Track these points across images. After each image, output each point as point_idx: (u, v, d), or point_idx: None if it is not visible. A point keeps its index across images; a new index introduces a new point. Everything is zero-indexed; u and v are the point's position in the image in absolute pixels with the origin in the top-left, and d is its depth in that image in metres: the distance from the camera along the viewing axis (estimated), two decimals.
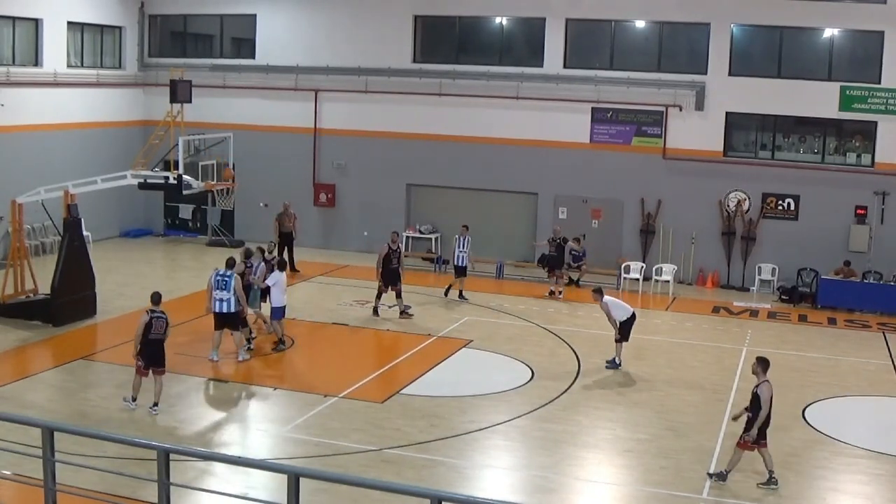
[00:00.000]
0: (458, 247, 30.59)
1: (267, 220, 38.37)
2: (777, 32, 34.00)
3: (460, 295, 30.66)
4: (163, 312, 20.14)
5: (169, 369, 22.05)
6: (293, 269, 33.43)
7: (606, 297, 24.58)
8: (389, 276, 28.18)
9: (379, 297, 28.37)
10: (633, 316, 24.40)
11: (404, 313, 28.22)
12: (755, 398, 17.18)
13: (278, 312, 24.73)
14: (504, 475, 18.06)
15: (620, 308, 24.40)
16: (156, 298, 20.26)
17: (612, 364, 24.32)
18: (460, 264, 30.69)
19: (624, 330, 24.35)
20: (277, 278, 24.63)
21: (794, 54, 34.23)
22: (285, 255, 32.53)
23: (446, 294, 30.78)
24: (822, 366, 25.54)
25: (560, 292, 31.94)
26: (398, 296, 28.30)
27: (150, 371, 19.99)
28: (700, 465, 18.12)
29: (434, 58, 37.40)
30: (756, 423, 17.06)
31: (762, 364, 17.42)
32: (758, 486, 17.26)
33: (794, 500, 16.92)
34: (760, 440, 17.24)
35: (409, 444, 18.68)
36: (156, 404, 19.89)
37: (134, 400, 20.05)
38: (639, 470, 18.20)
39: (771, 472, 17.31)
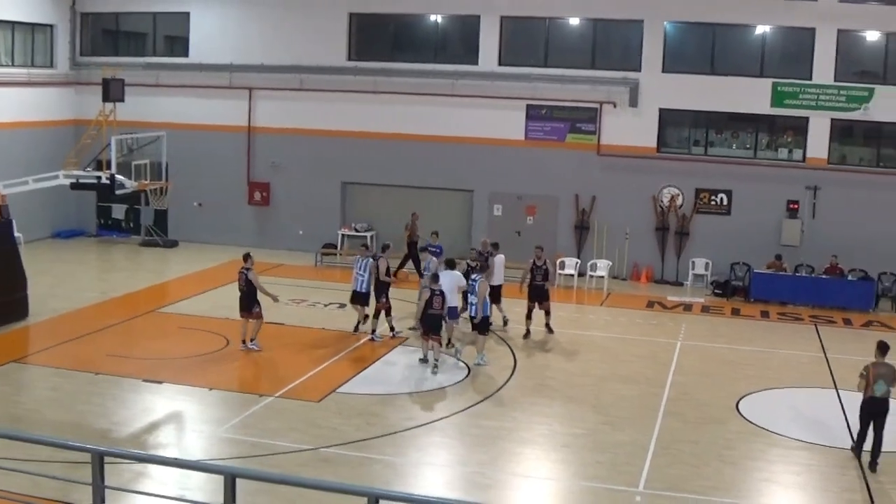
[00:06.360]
0: (358, 269, 26.07)
1: (201, 219, 38.34)
2: (710, 29, 34.33)
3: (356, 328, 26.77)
4: (247, 269, 24.38)
5: (102, 371, 21.94)
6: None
7: (498, 256, 27.16)
8: (534, 292, 27.16)
9: (529, 316, 27.11)
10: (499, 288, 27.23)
11: (548, 326, 27.37)
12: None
13: (451, 312, 25.13)
14: (441, 472, 18.07)
15: (498, 274, 26.86)
16: (245, 257, 24.67)
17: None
18: (361, 290, 26.16)
19: (494, 293, 26.52)
20: (443, 279, 24.72)
21: (727, 51, 34.60)
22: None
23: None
24: (756, 358, 25.82)
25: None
26: (546, 313, 27.21)
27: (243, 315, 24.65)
28: (636, 458, 18.23)
29: (369, 55, 37.31)
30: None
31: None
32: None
33: (729, 492, 17.09)
34: (424, 332, 23.64)
35: (345, 442, 18.64)
36: (252, 340, 24.52)
37: (244, 340, 24.58)
38: (575, 464, 18.29)
39: (436, 359, 23.30)
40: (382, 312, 25.98)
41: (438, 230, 31.09)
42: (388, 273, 26.02)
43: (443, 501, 11.41)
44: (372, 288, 25.87)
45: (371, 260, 26.19)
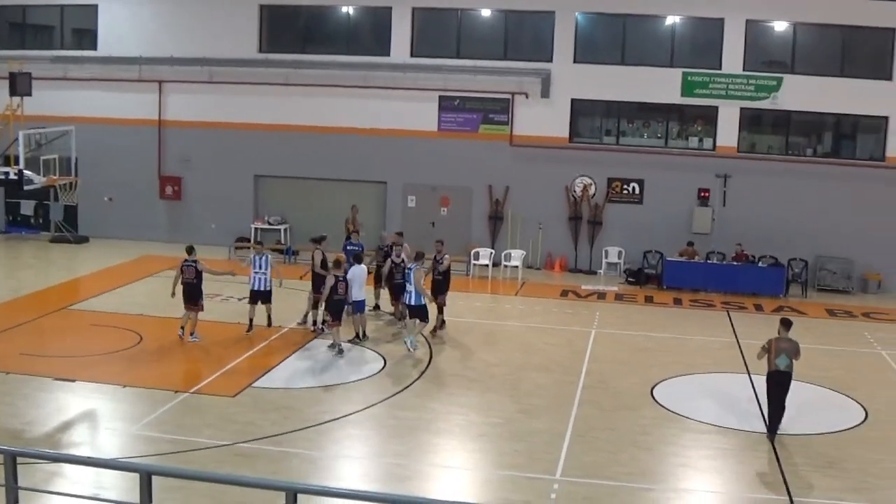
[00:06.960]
0: (256, 267, 25.94)
1: (111, 213, 37.85)
2: (620, 20, 34.68)
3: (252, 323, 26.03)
4: (194, 261, 24.78)
5: (13, 370, 21.57)
6: None
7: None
8: (434, 285, 26.38)
9: (440, 311, 26.36)
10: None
11: (438, 329, 26.29)
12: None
13: (359, 306, 25.41)
14: (359, 464, 18.01)
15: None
16: (188, 250, 25.16)
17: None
18: (260, 289, 26.00)
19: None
20: (353, 272, 25.01)
21: (638, 41, 34.98)
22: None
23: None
24: (669, 345, 26.14)
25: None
26: (440, 311, 26.34)
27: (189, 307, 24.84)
28: (553, 446, 18.34)
29: (280, 47, 37.06)
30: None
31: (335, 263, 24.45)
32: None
33: (645, 477, 17.27)
34: (332, 319, 24.06)
35: (262, 437, 18.52)
36: (192, 333, 24.68)
37: (182, 329, 24.80)
38: (493, 454, 18.35)
39: (339, 344, 24.05)
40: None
41: (358, 228, 30.90)
42: (323, 265, 25.87)
43: (361, 493, 11.39)
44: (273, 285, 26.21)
45: (269, 255, 26.42)
